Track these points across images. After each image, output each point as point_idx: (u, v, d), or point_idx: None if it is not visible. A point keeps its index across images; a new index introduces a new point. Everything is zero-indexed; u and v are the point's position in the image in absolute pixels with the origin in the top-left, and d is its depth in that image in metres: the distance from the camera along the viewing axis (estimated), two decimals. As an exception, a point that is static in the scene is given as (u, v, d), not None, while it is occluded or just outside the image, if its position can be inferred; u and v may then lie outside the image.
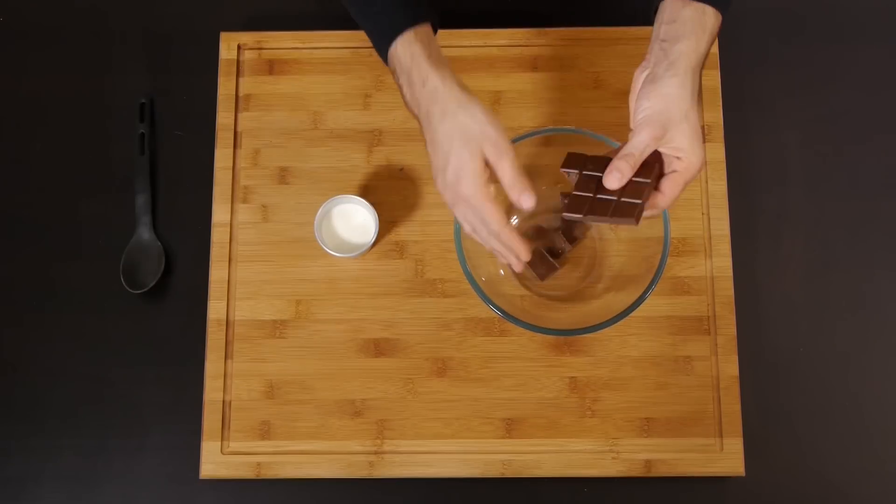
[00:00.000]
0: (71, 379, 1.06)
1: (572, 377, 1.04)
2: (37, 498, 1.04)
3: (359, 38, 1.11)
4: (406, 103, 0.89)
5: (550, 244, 1.06)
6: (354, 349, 1.05)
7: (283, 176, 1.10)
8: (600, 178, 0.85)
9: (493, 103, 1.11)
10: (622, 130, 0.88)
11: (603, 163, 0.85)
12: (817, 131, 1.12)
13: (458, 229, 0.98)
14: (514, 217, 1.06)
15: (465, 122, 0.83)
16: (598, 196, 0.85)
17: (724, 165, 1.08)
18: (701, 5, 0.84)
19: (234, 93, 1.11)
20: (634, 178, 0.84)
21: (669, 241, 0.97)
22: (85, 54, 1.16)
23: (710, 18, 0.84)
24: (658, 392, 1.04)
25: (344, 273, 1.07)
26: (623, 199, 0.84)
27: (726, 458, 1.01)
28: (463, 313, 1.06)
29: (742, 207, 1.09)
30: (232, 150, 1.10)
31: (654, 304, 1.05)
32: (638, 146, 0.83)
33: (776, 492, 1.03)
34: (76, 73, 1.15)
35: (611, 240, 1.06)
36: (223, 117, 1.11)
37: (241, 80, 1.12)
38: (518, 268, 0.91)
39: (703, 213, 1.08)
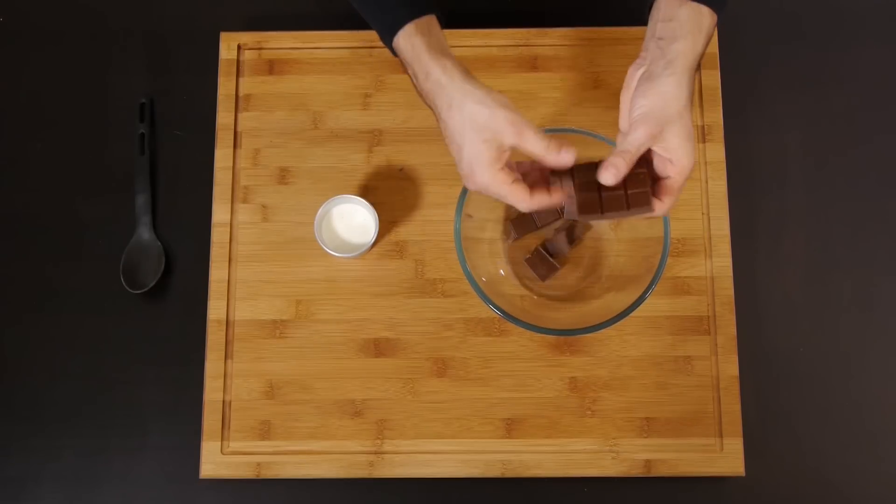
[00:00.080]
0: (71, 379, 1.06)
1: (572, 377, 1.04)
2: (37, 498, 1.04)
3: (359, 38, 1.12)
4: (420, 96, 0.89)
5: (550, 244, 1.06)
6: (354, 349, 1.05)
7: (283, 176, 1.10)
8: (595, 177, 0.84)
9: (493, 103, 1.11)
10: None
11: (591, 168, 0.85)
12: (817, 131, 1.12)
13: (459, 229, 0.98)
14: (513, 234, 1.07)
15: (472, 110, 0.83)
16: (604, 194, 0.84)
17: (724, 165, 1.08)
18: (697, 5, 0.84)
19: (234, 93, 1.11)
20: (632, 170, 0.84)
21: (669, 241, 0.97)
22: (85, 54, 1.16)
23: (707, 18, 0.84)
24: (658, 392, 1.04)
25: (344, 273, 1.07)
26: (630, 191, 0.84)
27: (726, 458, 1.01)
28: (463, 313, 1.06)
29: (742, 207, 1.09)
30: (232, 150, 1.10)
31: (654, 304, 1.05)
32: (634, 143, 0.83)
33: (776, 492, 1.03)
34: (76, 73, 1.15)
35: (611, 240, 1.06)
36: (223, 117, 1.11)
37: (241, 80, 1.12)
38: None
39: (703, 213, 1.08)
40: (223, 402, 1.04)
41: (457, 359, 1.05)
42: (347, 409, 1.04)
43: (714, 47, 1.11)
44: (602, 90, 1.11)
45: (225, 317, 1.06)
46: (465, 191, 0.98)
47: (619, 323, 0.96)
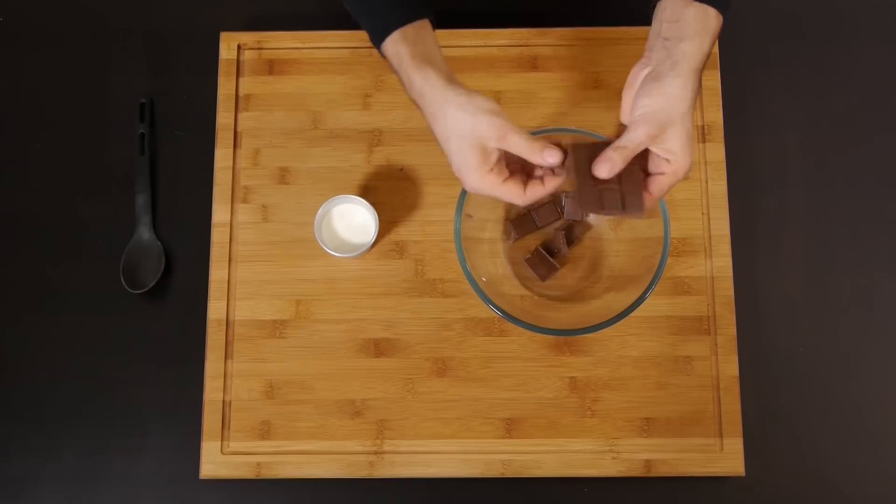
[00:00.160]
0: (71, 379, 1.06)
1: (572, 377, 1.04)
2: (37, 498, 1.04)
3: (359, 38, 1.12)
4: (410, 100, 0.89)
5: (550, 244, 1.06)
6: (354, 349, 1.05)
7: (283, 176, 1.10)
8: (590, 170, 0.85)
9: (493, 103, 1.11)
10: (622, 130, 0.88)
11: (592, 150, 0.85)
12: (817, 131, 1.12)
13: (459, 229, 0.98)
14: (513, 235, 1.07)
15: (455, 117, 0.83)
16: (602, 187, 0.84)
17: (724, 165, 1.08)
18: (703, 6, 0.84)
19: (234, 93, 1.11)
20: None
21: (669, 241, 0.97)
22: (85, 54, 1.16)
23: (713, 20, 0.84)
24: (658, 392, 1.04)
25: (344, 273, 1.07)
26: (626, 192, 0.84)
27: (726, 458, 1.01)
28: (463, 313, 1.06)
29: (742, 207, 1.09)
30: (232, 150, 1.10)
31: (654, 304, 1.05)
32: (633, 140, 0.83)
33: (776, 492, 1.03)
34: (76, 73, 1.15)
35: (611, 240, 1.06)
36: (223, 117, 1.11)
37: (241, 80, 1.12)
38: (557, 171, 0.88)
39: (703, 213, 1.08)
40: (223, 402, 1.04)
41: (457, 359, 1.05)
42: (347, 409, 1.04)
43: (714, 47, 1.10)
44: (602, 90, 1.11)
45: (225, 317, 1.06)
46: (464, 191, 0.98)
47: (619, 323, 0.96)
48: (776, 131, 1.12)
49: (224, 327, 1.05)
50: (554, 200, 1.06)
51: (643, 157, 0.86)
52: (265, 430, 1.03)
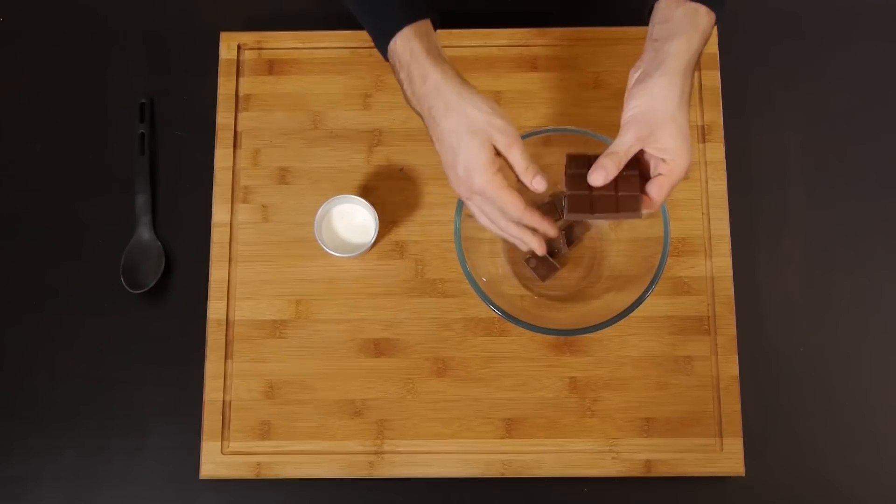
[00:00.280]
0: (71, 379, 1.06)
1: (572, 377, 1.04)
2: (37, 498, 1.04)
3: (359, 38, 1.12)
4: (407, 100, 0.89)
5: (550, 244, 1.06)
6: (354, 349, 1.05)
7: (283, 176, 1.10)
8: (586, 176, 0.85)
9: (493, 103, 1.11)
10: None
11: (587, 161, 0.86)
12: (817, 131, 1.12)
13: (459, 229, 0.98)
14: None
15: (470, 113, 0.84)
16: (595, 193, 0.85)
17: (724, 165, 1.08)
18: (694, 4, 0.84)
19: (234, 93, 1.11)
20: (622, 172, 0.85)
21: (669, 241, 0.97)
22: (85, 54, 1.16)
23: (703, 18, 0.84)
24: (658, 392, 1.04)
25: (344, 273, 1.07)
26: (621, 194, 0.85)
27: (726, 458, 1.01)
28: (463, 313, 1.06)
29: (742, 207, 1.09)
30: (232, 150, 1.10)
31: (654, 304, 1.05)
32: (623, 145, 0.84)
33: (776, 492, 1.03)
34: (76, 74, 1.15)
35: (611, 240, 1.06)
36: (223, 117, 1.11)
37: (241, 80, 1.12)
38: (541, 250, 0.91)
39: (703, 213, 1.08)
40: (223, 402, 1.04)
41: (457, 359, 1.05)
42: (347, 409, 1.04)
43: (714, 47, 1.11)
44: (602, 90, 1.11)
45: (225, 317, 1.06)
46: (465, 191, 0.98)
47: (619, 323, 0.96)
48: (776, 131, 1.12)
49: (224, 327, 1.05)
50: (554, 200, 1.06)
51: (640, 162, 0.86)
52: (265, 430, 1.03)
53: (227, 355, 1.05)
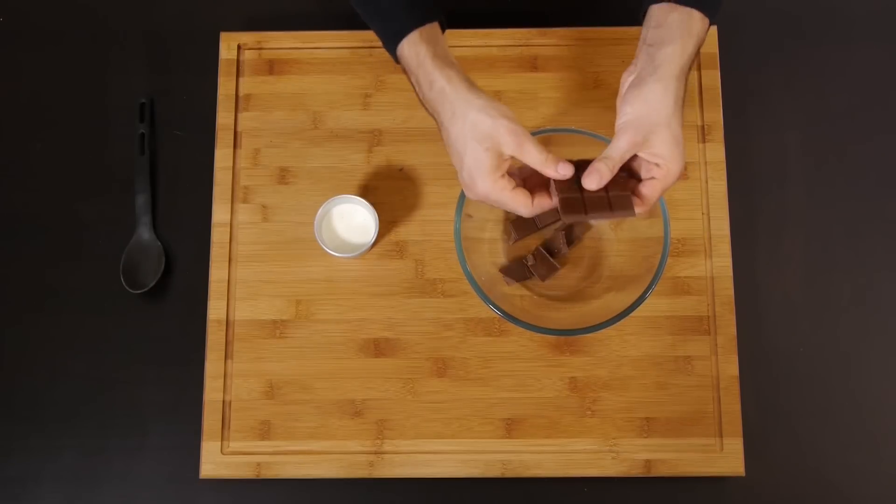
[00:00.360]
0: (71, 379, 1.06)
1: (572, 377, 1.04)
2: (37, 498, 1.04)
3: (359, 38, 1.12)
4: (420, 103, 0.89)
5: (550, 244, 1.06)
6: (354, 349, 1.05)
7: (283, 176, 1.10)
8: (579, 178, 0.85)
9: (493, 103, 1.11)
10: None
11: (579, 165, 0.86)
12: (817, 131, 1.12)
13: (459, 229, 0.98)
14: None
15: (475, 119, 0.84)
16: (587, 194, 0.85)
17: (724, 165, 1.08)
18: (687, 10, 0.84)
19: (234, 93, 1.11)
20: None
21: (669, 241, 0.97)
22: (85, 54, 1.16)
23: (697, 23, 0.84)
24: (658, 392, 1.04)
25: (344, 273, 1.07)
26: (612, 193, 0.85)
27: (726, 458, 1.01)
28: (463, 313, 1.06)
29: (742, 207, 1.09)
30: (232, 150, 1.10)
31: (654, 304, 1.05)
32: (617, 150, 0.84)
33: (776, 492, 1.03)
34: (76, 74, 1.15)
35: (611, 240, 1.06)
36: (223, 117, 1.11)
37: (241, 80, 1.12)
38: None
39: (703, 213, 1.08)
40: (223, 402, 1.04)
41: (457, 359, 1.05)
42: (347, 409, 1.04)
43: (714, 47, 1.11)
44: (602, 90, 1.11)
45: (225, 317, 1.06)
46: (465, 191, 0.98)
47: (619, 323, 0.96)
48: (776, 131, 1.12)
49: (224, 327, 1.05)
50: (554, 206, 1.06)
51: (634, 162, 0.86)
52: (265, 430, 1.03)
53: (227, 355, 1.05)
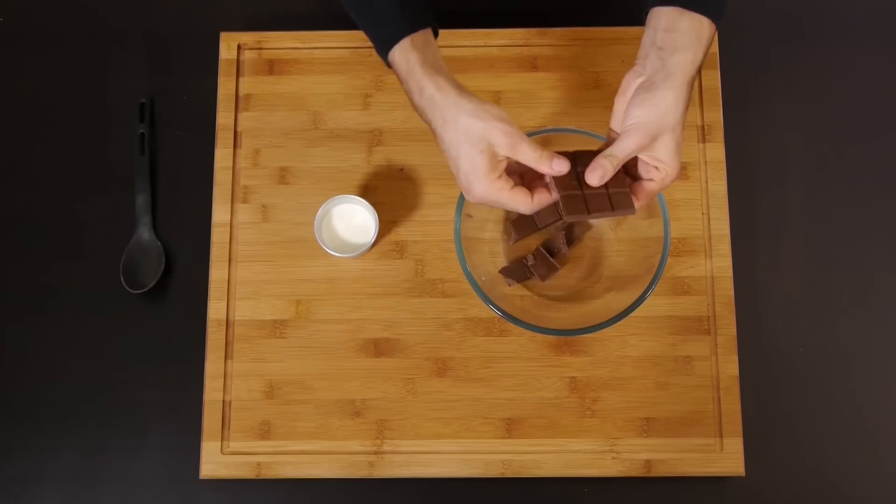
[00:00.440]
0: (71, 379, 1.06)
1: (572, 377, 1.04)
2: (37, 498, 1.04)
3: (359, 38, 1.12)
4: (414, 109, 0.89)
5: (550, 244, 1.06)
6: (354, 349, 1.05)
7: (283, 176, 1.10)
8: (580, 175, 0.85)
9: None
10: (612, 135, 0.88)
11: (572, 157, 0.87)
12: (817, 131, 1.12)
13: (458, 229, 0.98)
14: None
15: (466, 123, 0.84)
16: (587, 192, 0.86)
17: (724, 165, 1.08)
18: (698, 16, 0.84)
19: (234, 93, 1.11)
20: None
21: (669, 241, 0.97)
22: (85, 54, 1.16)
23: (706, 30, 0.85)
24: (658, 392, 1.04)
25: (344, 273, 1.07)
26: (612, 192, 0.86)
27: (726, 458, 1.01)
28: (463, 313, 1.06)
29: (742, 207, 1.09)
30: (232, 150, 1.10)
31: (654, 304, 1.05)
32: (623, 150, 0.84)
33: (776, 492, 1.03)
34: (76, 74, 1.15)
35: (611, 240, 1.06)
36: (223, 117, 1.11)
37: (241, 80, 1.12)
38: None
39: (703, 213, 1.08)
40: (223, 402, 1.04)
41: (457, 359, 1.05)
42: (347, 409, 1.04)
43: (714, 47, 1.11)
44: (602, 90, 1.11)
45: (225, 317, 1.06)
46: (465, 191, 0.98)
47: (619, 323, 0.96)
48: (776, 131, 1.12)
49: (224, 327, 1.05)
50: (554, 201, 1.06)
51: (631, 161, 0.87)
52: (265, 430, 1.03)
53: (227, 355, 1.05)
